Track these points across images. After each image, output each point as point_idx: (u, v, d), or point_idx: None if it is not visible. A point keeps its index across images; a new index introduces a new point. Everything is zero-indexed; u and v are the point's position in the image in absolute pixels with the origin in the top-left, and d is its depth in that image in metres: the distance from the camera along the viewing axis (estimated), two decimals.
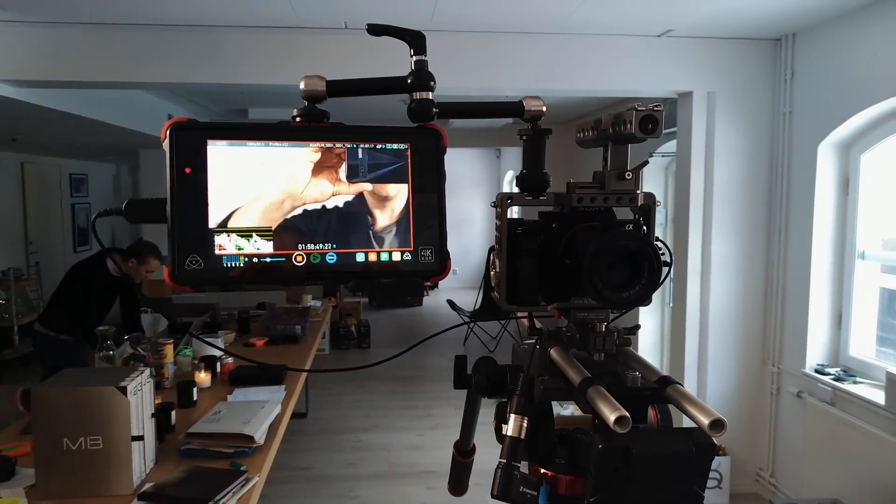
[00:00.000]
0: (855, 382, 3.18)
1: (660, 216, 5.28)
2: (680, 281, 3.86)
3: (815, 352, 3.45)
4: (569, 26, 3.35)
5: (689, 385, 3.82)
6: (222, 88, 3.72)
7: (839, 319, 3.41)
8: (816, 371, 3.36)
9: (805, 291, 3.43)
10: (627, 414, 0.47)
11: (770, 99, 3.64)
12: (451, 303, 7.71)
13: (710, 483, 3.71)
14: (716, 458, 3.70)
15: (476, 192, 11.27)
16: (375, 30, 0.57)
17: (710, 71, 3.60)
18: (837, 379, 3.23)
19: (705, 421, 0.47)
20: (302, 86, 0.57)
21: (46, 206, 8.04)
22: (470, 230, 11.42)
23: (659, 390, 0.55)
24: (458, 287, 10.63)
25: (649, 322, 5.40)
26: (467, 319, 4.30)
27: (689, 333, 3.80)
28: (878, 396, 2.95)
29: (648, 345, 5.42)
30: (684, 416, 0.56)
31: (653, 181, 5.30)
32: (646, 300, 0.58)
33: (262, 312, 4.44)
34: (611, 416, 0.47)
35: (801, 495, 3.44)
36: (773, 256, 3.70)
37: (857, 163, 3.28)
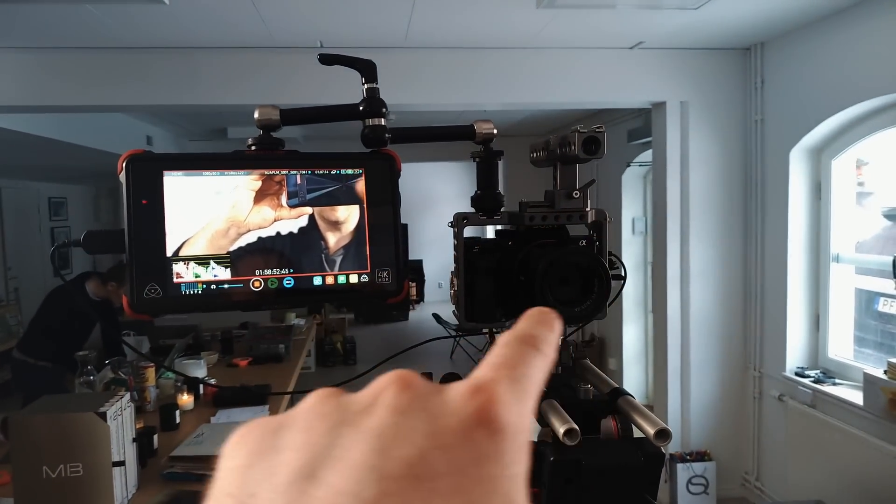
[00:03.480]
0: (834, 384, 3.22)
1: (639, 225, 5.34)
2: (660, 288, 3.90)
3: (795, 355, 3.49)
4: (541, 41, 3.40)
5: (673, 391, 3.85)
6: (200, 110, 3.72)
7: (817, 322, 3.46)
8: (797, 374, 3.40)
9: (782, 295, 3.48)
10: (576, 427, 0.49)
11: (742, 107, 3.70)
12: (436, 316, 7.65)
13: (696, 489, 3.73)
14: (702, 463, 3.73)
15: (457, 205, 11.16)
16: (327, 59, 0.59)
17: (682, 81, 3.67)
18: (817, 381, 3.27)
19: (651, 431, 0.49)
20: (256, 115, 0.58)
21: (25, 231, 7.94)
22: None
23: (610, 402, 0.56)
24: (444, 301, 10.63)
25: (632, 331, 5.44)
26: (452, 332, 4.29)
27: (670, 340, 3.83)
28: (857, 397, 2.99)
29: (633, 354, 5.46)
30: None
31: (631, 190, 5.36)
32: (597, 314, 0.60)
33: (245, 332, 4.42)
34: (560, 429, 0.49)
35: (785, 497, 3.47)
36: (750, 261, 3.75)
37: (829, 168, 3.35)
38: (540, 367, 0.25)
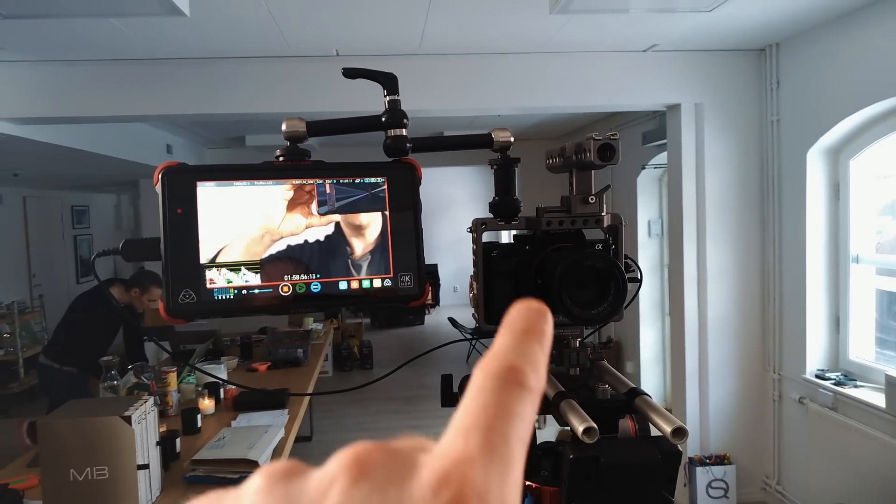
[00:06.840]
0: (855, 386, 3.19)
1: (655, 227, 5.32)
2: (677, 291, 3.88)
3: (815, 357, 3.46)
4: (555, 45, 3.41)
5: (691, 394, 3.83)
6: (219, 118, 3.78)
7: (837, 324, 3.43)
8: (817, 376, 3.37)
9: (802, 297, 3.45)
10: (595, 425, 0.51)
11: (757, 108, 3.69)
12: (452, 320, 7.70)
13: (716, 493, 3.71)
14: (722, 467, 3.70)
15: (474, 209, 11.32)
16: (350, 73, 0.62)
17: (696, 83, 3.66)
18: (838, 383, 3.24)
19: (668, 429, 0.50)
20: (284, 127, 0.61)
21: (49, 238, 8.09)
22: (469, 248, 11.45)
23: (628, 402, 0.58)
24: (460, 304, 10.64)
25: (649, 334, 5.42)
26: (468, 336, 4.30)
27: (688, 343, 3.81)
28: (879, 399, 2.96)
29: (650, 357, 5.43)
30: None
31: (647, 193, 5.35)
32: (614, 316, 0.61)
33: (264, 337, 4.47)
34: (579, 428, 0.51)
35: (807, 501, 3.44)
36: (768, 263, 3.72)
37: (847, 168, 3.32)
38: (526, 413, 0.19)
